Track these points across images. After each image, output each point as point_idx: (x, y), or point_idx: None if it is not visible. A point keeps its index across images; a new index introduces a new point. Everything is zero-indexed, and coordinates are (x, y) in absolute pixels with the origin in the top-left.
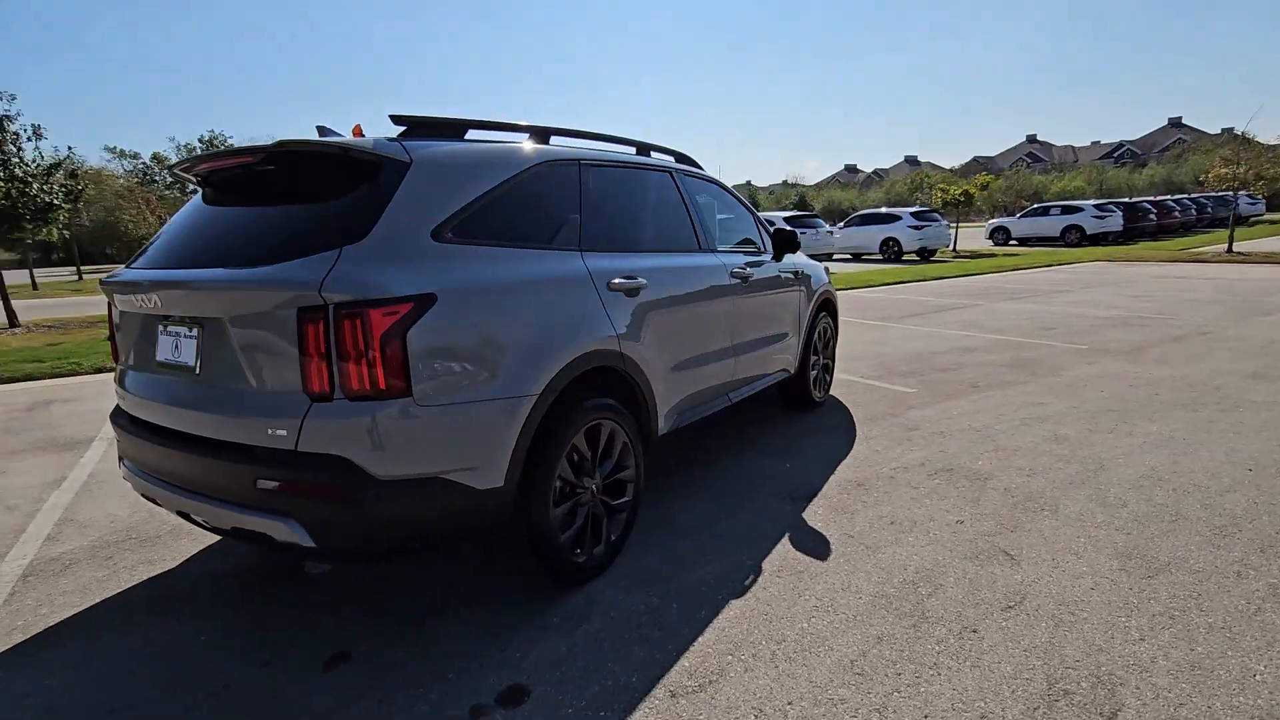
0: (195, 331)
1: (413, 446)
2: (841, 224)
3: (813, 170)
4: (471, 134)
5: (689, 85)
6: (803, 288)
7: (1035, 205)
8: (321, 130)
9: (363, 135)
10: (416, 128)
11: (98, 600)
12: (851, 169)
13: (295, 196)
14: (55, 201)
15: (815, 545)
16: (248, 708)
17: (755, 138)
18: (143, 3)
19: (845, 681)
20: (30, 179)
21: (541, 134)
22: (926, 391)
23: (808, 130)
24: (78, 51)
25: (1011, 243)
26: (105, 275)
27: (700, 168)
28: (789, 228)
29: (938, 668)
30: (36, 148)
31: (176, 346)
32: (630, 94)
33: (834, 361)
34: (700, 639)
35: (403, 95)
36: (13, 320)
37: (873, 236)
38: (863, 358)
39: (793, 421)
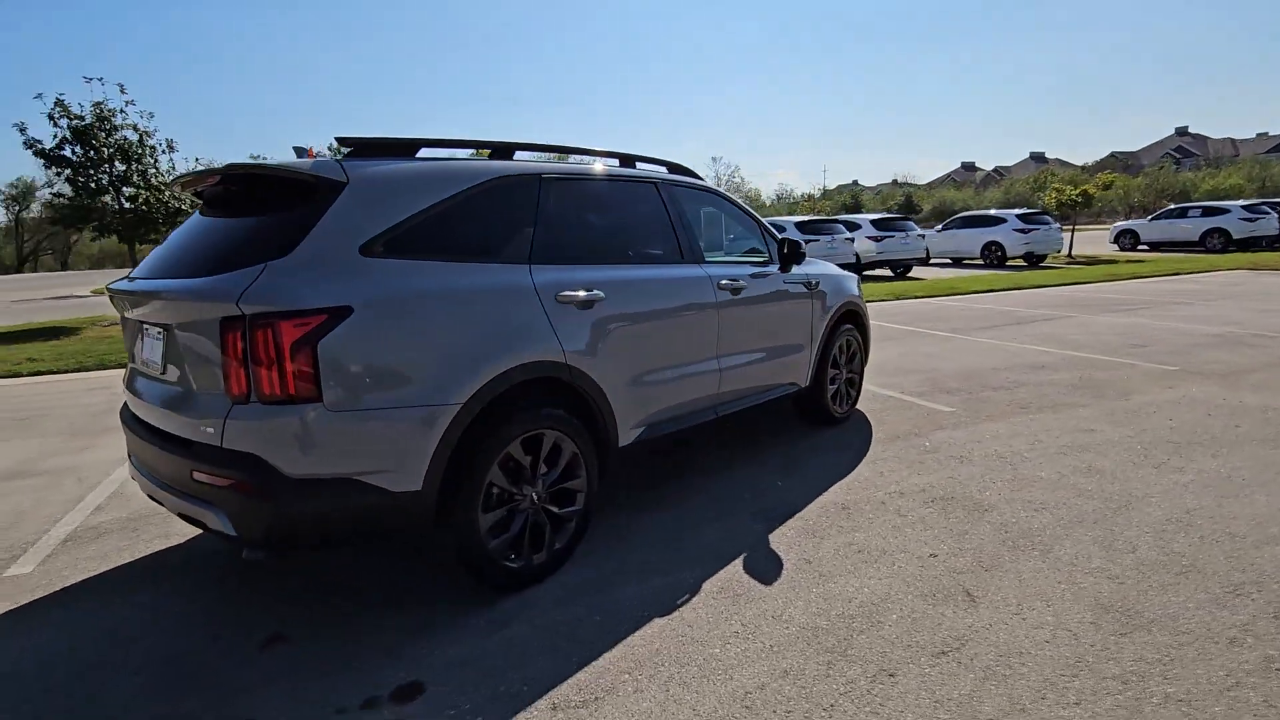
0: (161, 336)
1: (324, 448)
2: (939, 226)
3: (927, 169)
4: (427, 152)
5: (785, 87)
6: (817, 299)
7: (1172, 206)
8: (298, 151)
9: (313, 157)
10: (364, 149)
11: (109, 568)
12: (969, 167)
13: (248, 213)
14: (183, 207)
15: (766, 568)
16: (187, 676)
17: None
18: (267, 12)
19: (730, 714)
20: (164, 187)
21: (504, 150)
22: (966, 411)
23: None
24: (215, 63)
25: (1141, 248)
26: (109, 282)
27: (697, 178)
28: (796, 237)
29: (831, 710)
30: (170, 159)
31: (151, 349)
32: (719, 99)
33: (860, 375)
34: (606, 655)
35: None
36: None
37: (974, 240)
38: (912, 372)
39: (805, 437)
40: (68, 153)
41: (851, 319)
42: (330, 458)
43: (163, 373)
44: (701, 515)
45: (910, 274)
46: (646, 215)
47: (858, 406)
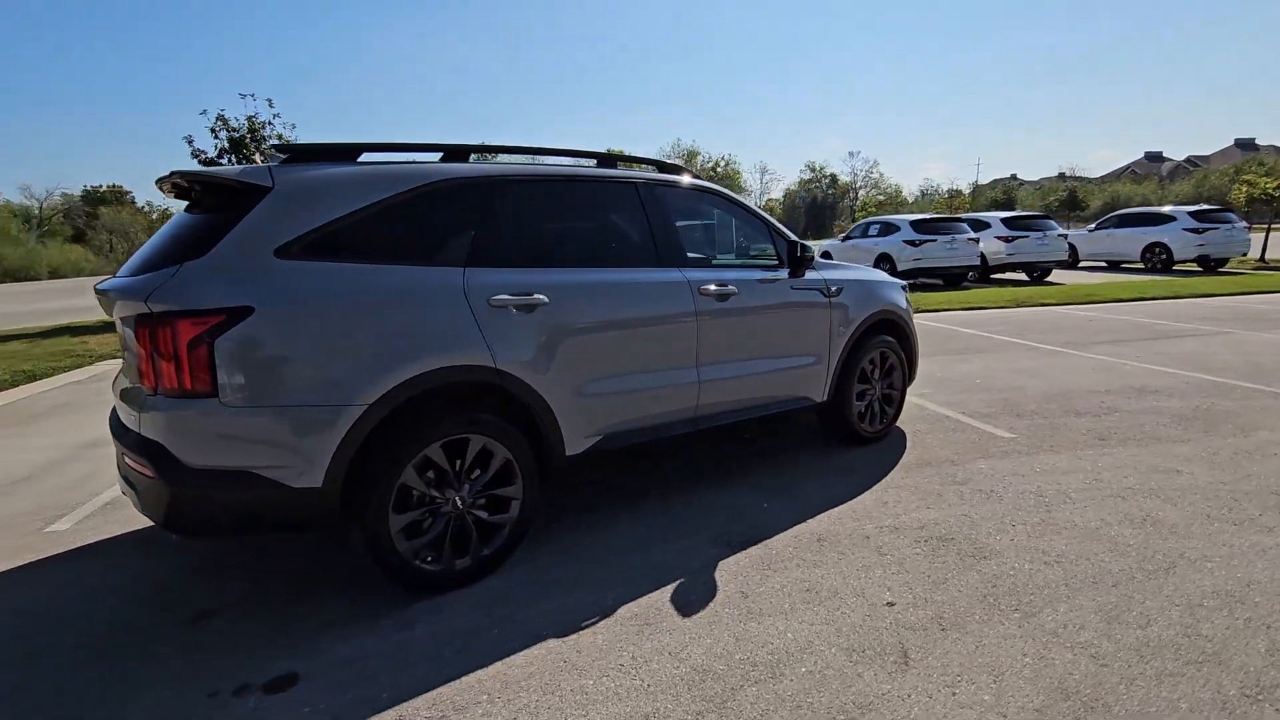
0: (123, 330)
1: (220, 441)
2: (1091, 226)
3: (1102, 160)
4: (374, 156)
5: (934, 73)
6: (836, 308)
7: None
8: (279, 149)
9: (258, 164)
10: (303, 155)
11: (118, 533)
12: (1154, 157)
13: (195, 216)
14: None
15: (694, 599)
16: (120, 643)
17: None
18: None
19: None
20: None
21: (459, 153)
22: (1027, 439)
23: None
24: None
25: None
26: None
27: (693, 176)
28: (912, 237)
29: None
30: None
31: (120, 343)
32: (861, 90)
33: (901, 392)
34: (480, 672)
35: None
36: None
37: (1133, 242)
38: (988, 390)
39: (820, 456)
40: (225, 162)
41: (889, 329)
42: (227, 451)
43: (124, 365)
44: (662, 533)
45: (1048, 279)
46: (615, 218)
47: (901, 426)
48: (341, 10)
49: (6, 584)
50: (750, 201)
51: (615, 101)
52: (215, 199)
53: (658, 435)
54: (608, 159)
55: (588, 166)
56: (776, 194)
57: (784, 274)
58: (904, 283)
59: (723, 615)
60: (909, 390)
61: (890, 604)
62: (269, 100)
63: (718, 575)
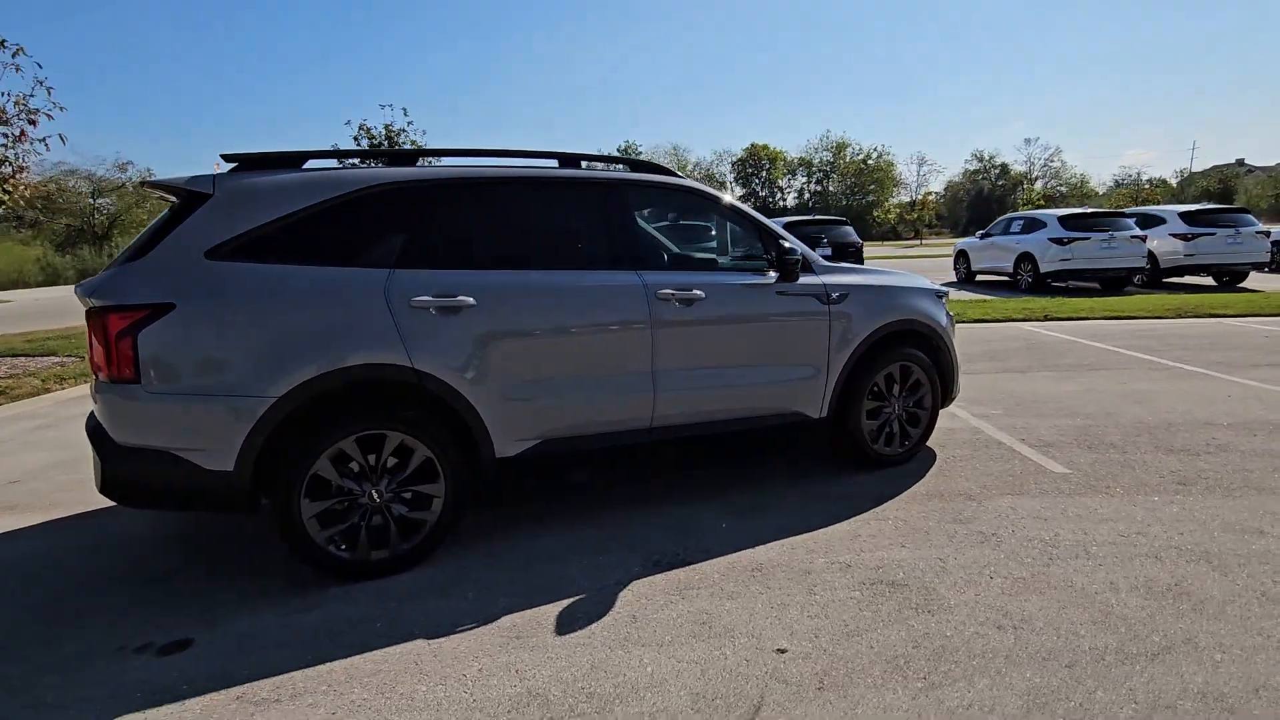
0: None
1: (142, 423)
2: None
3: None
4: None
5: (1135, 44)
6: (838, 317)
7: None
8: (226, 158)
9: (217, 170)
10: (250, 162)
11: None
12: None
13: (164, 219)
14: None
15: (580, 618)
16: (78, 595)
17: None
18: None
19: None
20: None
21: (406, 157)
22: (1083, 477)
23: None
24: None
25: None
26: None
27: (672, 175)
28: (1059, 234)
29: None
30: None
31: None
32: (1051, 69)
33: (930, 411)
34: (338, 661)
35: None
36: None
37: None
38: (1073, 414)
39: (821, 478)
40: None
41: (914, 341)
42: (148, 432)
43: None
44: (597, 545)
45: (1243, 284)
46: (563, 219)
47: (938, 449)
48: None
49: (25, 535)
50: (906, 195)
51: (760, 91)
52: (176, 205)
53: (608, 444)
54: (572, 159)
55: (540, 168)
56: (936, 186)
57: (771, 278)
58: (942, 290)
59: (596, 638)
60: (966, 412)
61: (781, 651)
62: (404, 109)
63: (621, 595)
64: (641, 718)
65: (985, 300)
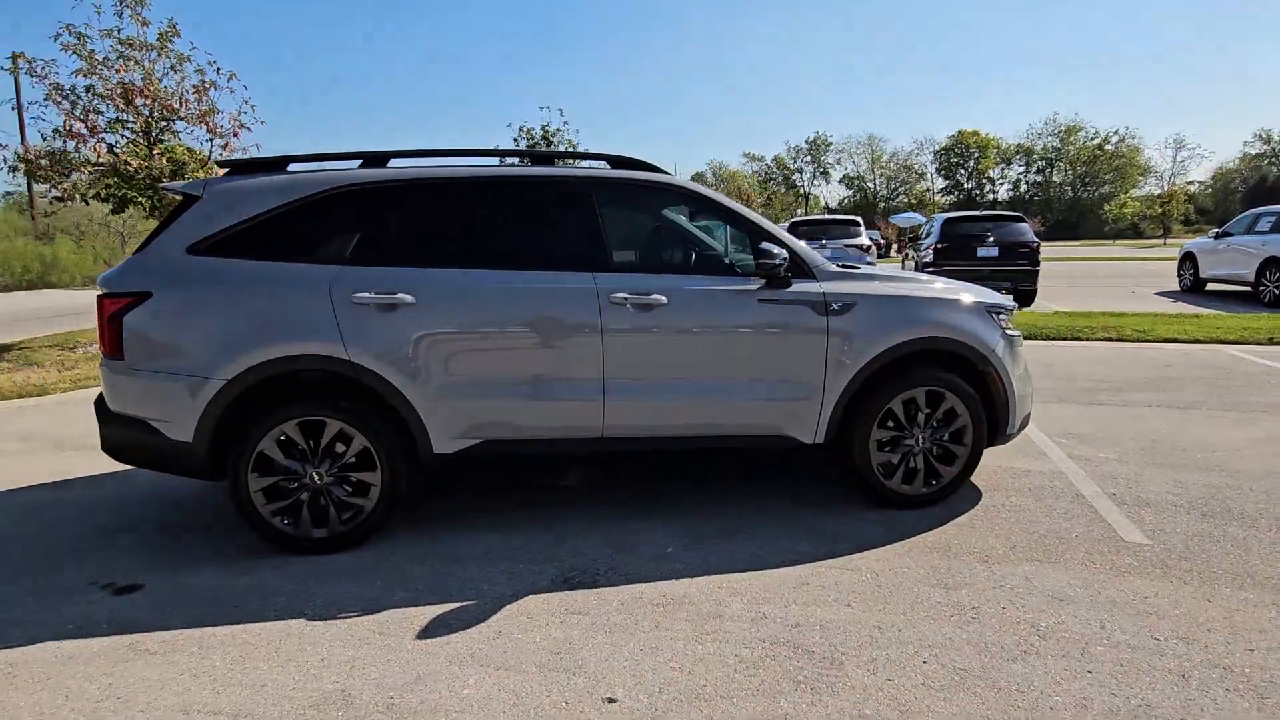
0: None
1: (125, 394)
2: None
3: None
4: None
5: None
6: (836, 331)
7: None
8: (220, 164)
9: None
10: (238, 168)
11: None
12: None
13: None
14: None
15: (443, 625)
16: (69, 539)
17: None
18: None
19: (169, 717)
20: None
21: (377, 159)
22: (1165, 554)
23: None
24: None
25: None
26: None
27: (656, 172)
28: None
29: None
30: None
31: None
32: None
33: (971, 449)
34: (218, 629)
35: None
36: None
37: None
38: (1216, 471)
39: (808, 508)
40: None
41: (949, 364)
42: (130, 402)
43: None
44: (517, 554)
45: None
46: (517, 218)
47: (990, 491)
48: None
49: (51, 488)
50: (1156, 185)
51: (968, 71)
52: (177, 205)
53: (554, 449)
54: (545, 158)
55: (496, 167)
56: (1199, 174)
57: (755, 284)
58: (1001, 304)
59: (445, 649)
60: (1062, 451)
61: (610, 700)
62: (560, 110)
63: (506, 609)
64: None
65: (1197, 316)
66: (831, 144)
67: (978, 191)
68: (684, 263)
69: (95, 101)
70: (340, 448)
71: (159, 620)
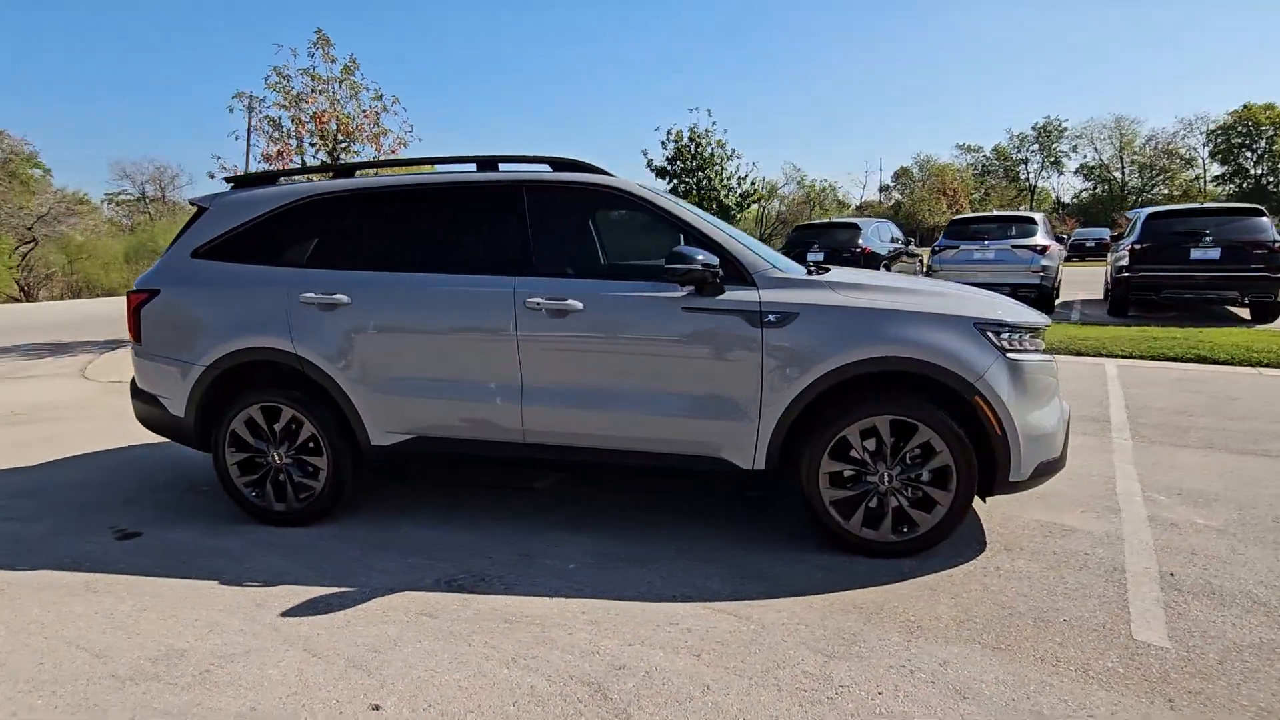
0: None
1: (144, 374)
2: None
3: None
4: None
5: None
6: (773, 347)
7: None
8: (228, 179)
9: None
10: (241, 182)
11: None
12: None
13: None
14: (731, 203)
15: (301, 605)
16: (106, 494)
17: None
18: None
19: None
20: (723, 189)
21: (345, 170)
22: (1181, 664)
23: None
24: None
25: None
26: None
27: (592, 172)
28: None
29: None
30: (738, 164)
31: None
32: None
33: (958, 497)
34: (157, 579)
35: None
36: None
37: None
38: None
39: (742, 543)
40: (671, 168)
41: (925, 389)
42: (148, 381)
43: None
44: (426, 548)
45: None
46: (447, 223)
47: (1003, 549)
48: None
49: (120, 451)
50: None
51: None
52: (193, 215)
53: (482, 451)
54: (489, 163)
55: (430, 174)
56: None
57: (681, 291)
58: (1005, 320)
59: (278, 632)
60: (1146, 509)
61: (375, 708)
62: (708, 110)
63: (369, 603)
64: (172, 701)
65: None
66: (1066, 129)
67: (1270, 179)
68: (608, 267)
69: (292, 128)
70: (296, 431)
71: (125, 565)
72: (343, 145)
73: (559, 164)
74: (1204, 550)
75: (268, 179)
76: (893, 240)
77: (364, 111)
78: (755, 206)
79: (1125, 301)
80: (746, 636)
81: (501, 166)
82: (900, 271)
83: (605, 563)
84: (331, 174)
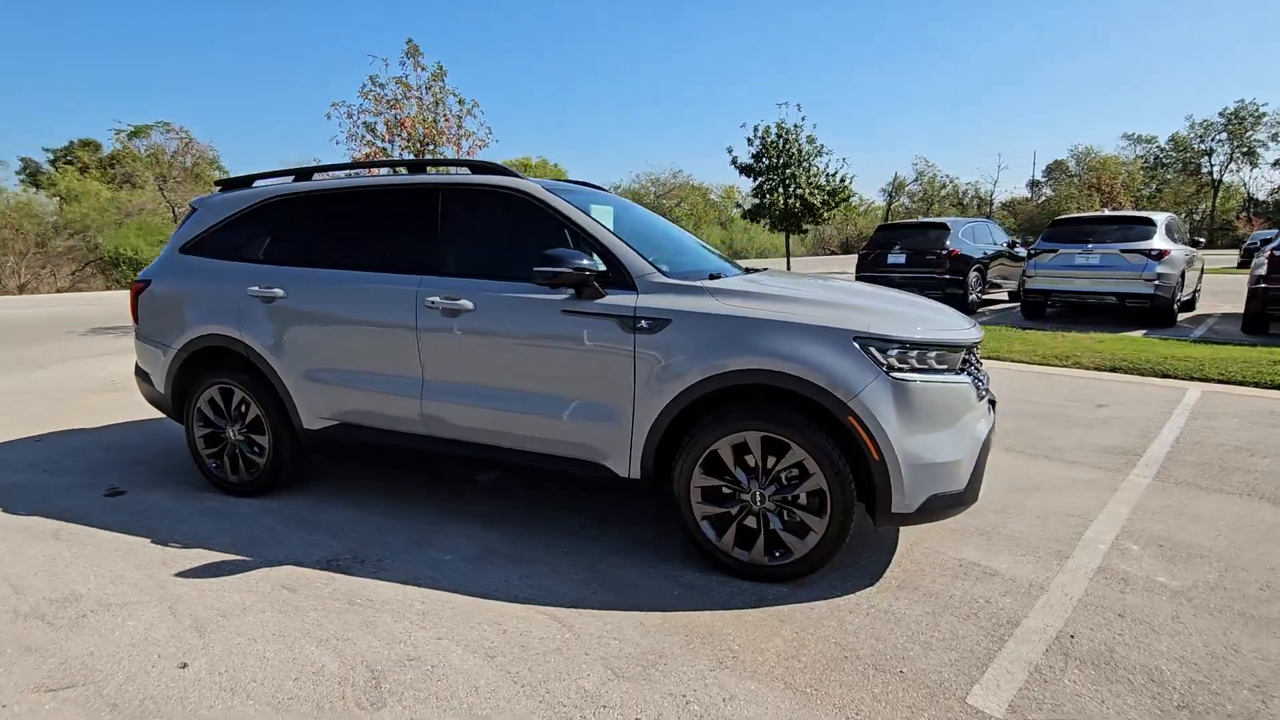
0: None
1: (140, 355)
2: None
3: None
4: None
5: None
6: (645, 351)
7: None
8: (217, 183)
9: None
10: (227, 185)
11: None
12: None
13: None
14: (816, 203)
15: (191, 565)
16: (114, 457)
17: None
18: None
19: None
20: (815, 188)
21: (304, 173)
22: (1044, 716)
23: None
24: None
25: None
26: None
27: (500, 175)
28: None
29: None
30: (826, 160)
31: None
32: None
33: (831, 521)
34: (104, 533)
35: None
36: None
37: None
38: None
39: (634, 556)
40: (757, 165)
41: (800, 407)
42: (143, 360)
43: None
44: (327, 527)
45: None
46: (370, 224)
47: (915, 590)
48: None
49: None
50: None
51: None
52: (187, 214)
53: (392, 440)
54: (419, 166)
55: (363, 178)
56: None
57: (562, 294)
58: (900, 336)
59: (154, 591)
60: (1109, 559)
61: (183, 665)
62: (798, 105)
63: (251, 573)
64: (40, 638)
65: None
66: (1265, 115)
67: None
68: (510, 268)
69: (383, 131)
70: (245, 412)
71: (94, 519)
72: (430, 148)
73: (478, 168)
74: (1137, 613)
75: (246, 182)
76: (993, 242)
77: (445, 116)
78: (848, 203)
79: (1262, 317)
80: (553, 645)
81: (424, 170)
82: (1000, 277)
83: (481, 556)
84: (294, 177)
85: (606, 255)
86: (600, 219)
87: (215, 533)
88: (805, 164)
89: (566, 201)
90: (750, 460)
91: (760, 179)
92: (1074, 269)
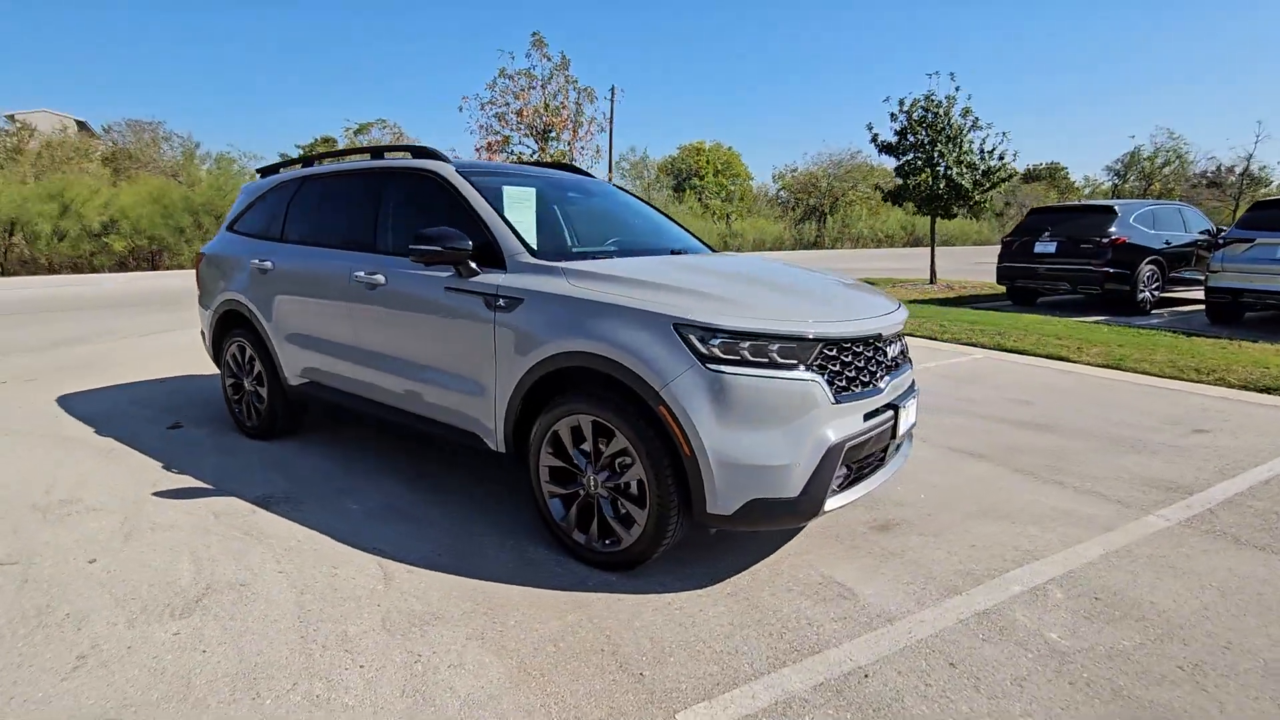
0: None
1: (202, 317)
2: None
3: None
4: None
5: None
6: (503, 328)
7: None
8: (258, 170)
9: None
10: (264, 171)
11: None
12: None
13: None
14: (965, 184)
15: (157, 489)
16: (176, 407)
17: None
18: None
19: None
20: (968, 167)
21: (307, 160)
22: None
23: None
24: None
25: None
26: None
27: (438, 160)
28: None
29: None
30: (983, 136)
31: None
32: None
33: (651, 512)
34: (126, 448)
35: None
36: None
37: None
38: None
39: (518, 531)
40: (899, 142)
41: (623, 393)
42: (202, 321)
43: None
44: (294, 477)
45: None
46: (335, 206)
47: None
48: None
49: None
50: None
51: None
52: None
53: (341, 400)
54: (378, 151)
55: (336, 164)
56: None
57: (447, 271)
58: (725, 324)
59: (118, 511)
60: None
61: (91, 561)
62: (951, 74)
63: (202, 497)
64: (4, 527)
65: None
66: None
67: None
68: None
69: (514, 120)
70: (253, 367)
71: (142, 445)
72: (551, 136)
73: (417, 152)
74: (976, 666)
75: (275, 170)
76: (1184, 230)
77: (563, 105)
78: (1006, 183)
79: None
80: (360, 593)
81: (382, 155)
82: (1186, 271)
83: (380, 511)
84: (302, 165)
85: (489, 235)
86: (509, 201)
87: (209, 464)
88: (956, 140)
89: (469, 183)
90: (586, 445)
91: (904, 158)
92: (1274, 264)
